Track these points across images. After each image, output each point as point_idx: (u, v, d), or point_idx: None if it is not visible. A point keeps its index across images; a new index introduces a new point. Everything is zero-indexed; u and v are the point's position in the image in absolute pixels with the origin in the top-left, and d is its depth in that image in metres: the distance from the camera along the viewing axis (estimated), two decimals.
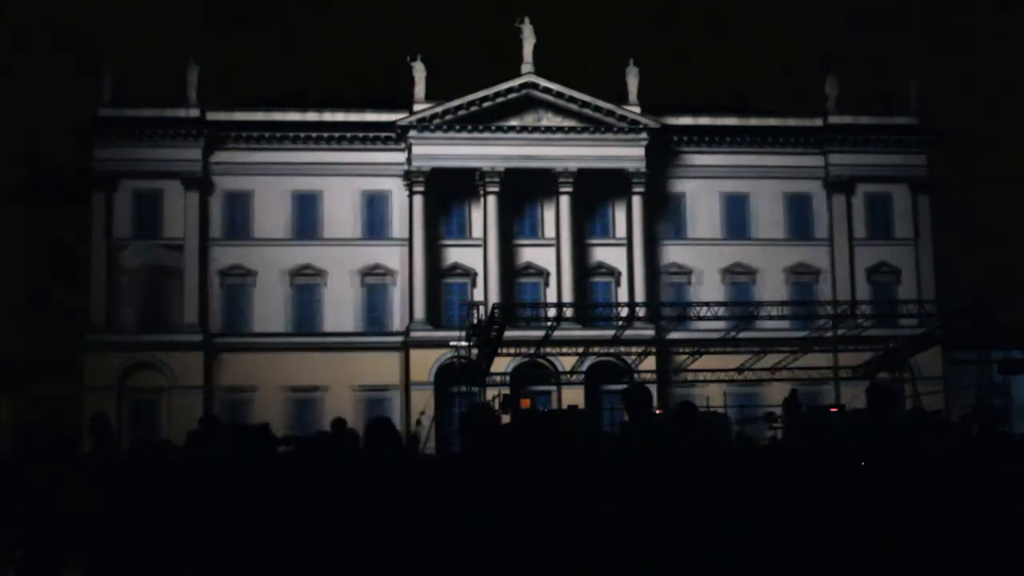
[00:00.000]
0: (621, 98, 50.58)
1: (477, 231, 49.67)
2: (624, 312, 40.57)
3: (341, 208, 49.78)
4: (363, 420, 27.05)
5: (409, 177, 49.31)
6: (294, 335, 48.83)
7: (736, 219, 51.66)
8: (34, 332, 49.33)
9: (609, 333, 41.86)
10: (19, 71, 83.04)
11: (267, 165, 49.58)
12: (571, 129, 49.86)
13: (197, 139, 49.07)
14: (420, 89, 49.91)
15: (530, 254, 50.42)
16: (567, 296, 47.69)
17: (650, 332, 45.38)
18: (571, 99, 49.74)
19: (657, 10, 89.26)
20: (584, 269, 50.21)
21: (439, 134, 49.28)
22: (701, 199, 51.57)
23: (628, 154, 49.86)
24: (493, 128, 49.47)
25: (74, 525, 9.62)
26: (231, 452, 8.72)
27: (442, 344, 45.55)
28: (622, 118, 49.89)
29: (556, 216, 49.67)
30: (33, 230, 50.65)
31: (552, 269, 49.69)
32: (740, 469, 7.91)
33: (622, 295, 49.23)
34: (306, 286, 49.50)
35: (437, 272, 49.53)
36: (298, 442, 10.48)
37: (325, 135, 49.96)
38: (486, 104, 49.56)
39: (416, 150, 49.26)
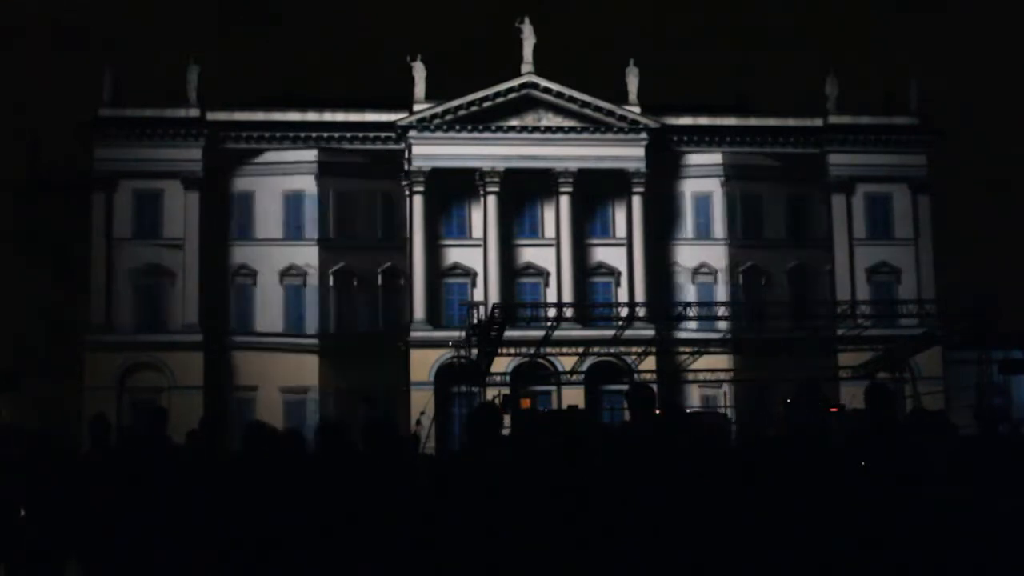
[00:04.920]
0: (621, 98, 50.54)
1: (477, 231, 49.65)
2: (624, 312, 40.60)
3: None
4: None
5: (409, 177, 49.30)
6: (288, 335, 48.88)
7: (736, 219, 51.59)
8: (34, 332, 49.31)
9: (609, 333, 41.87)
10: (19, 71, 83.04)
11: (266, 165, 49.58)
12: (571, 129, 49.84)
13: (197, 139, 49.05)
14: (420, 89, 49.87)
15: (530, 254, 50.40)
16: (567, 296, 47.67)
17: (650, 332, 45.34)
18: (571, 99, 49.72)
19: (657, 10, 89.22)
20: (584, 269, 50.17)
21: (439, 134, 49.26)
22: (701, 199, 51.52)
23: (628, 154, 49.83)
24: (493, 128, 49.45)
25: (74, 525, 9.61)
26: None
27: (442, 344, 45.56)
28: (622, 118, 49.87)
29: (556, 216, 49.64)
30: (33, 230, 50.61)
31: (552, 269, 49.67)
32: (740, 468, 7.91)
33: (622, 295, 49.19)
34: (300, 286, 49.48)
35: (437, 272, 49.51)
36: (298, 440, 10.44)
37: (325, 135, 49.96)
38: (486, 104, 49.54)
39: (416, 150, 49.25)
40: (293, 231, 49.51)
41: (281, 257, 49.24)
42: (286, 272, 49.19)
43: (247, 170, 49.63)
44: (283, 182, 49.51)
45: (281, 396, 47.44)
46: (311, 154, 49.83)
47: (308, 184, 49.59)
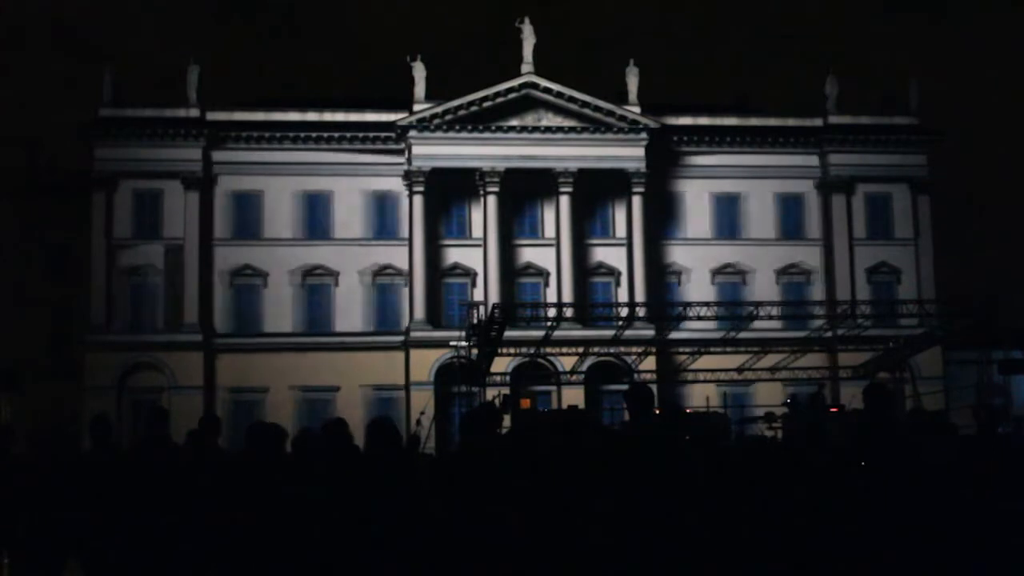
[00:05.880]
0: (621, 98, 50.57)
1: (477, 231, 49.66)
2: (624, 312, 40.59)
3: (342, 208, 49.83)
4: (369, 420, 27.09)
5: (409, 177, 49.32)
6: (298, 335, 48.86)
7: (736, 219, 51.66)
8: (34, 332, 49.30)
9: (609, 333, 41.88)
10: (19, 71, 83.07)
11: (267, 165, 49.61)
12: (571, 129, 49.85)
13: (197, 139, 49.07)
14: (420, 89, 49.90)
15: (530, 254, 50.40)
16: (567, 296, 47.68)
17: (650, 332, 45.36)
18: (571, 99, 49.72)
19: (657, 10, 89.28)
20: (584, 269, 50.19)
21: (439, 134, 49.27)
22: (701, 199, 51.56)
23: (628, 154, 49.85)
24: (493, 128, 49.46)
25: (74, 525, 9.61)
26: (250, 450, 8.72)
27: (442, 344, 45.56)
28: (622, 118, 49.87)
29: (556, 216, 49.66)
30: (33, 230, 50.62)
31: (552, 269, 49.68)
32: (740, 469, 7.91)
33: (622, 295, 49.22)
34: (315, 286, 49.50)
35: (437, 272, 49.52)
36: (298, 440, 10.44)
37: (325, 135, 49.98)
38: (486, 104, 49.55)
39: (416, 150, 49.26)
40: (308, 231, 49.68)
41: (294, 257, 49.31)
42: (304, 272, 49.27)
43: (248, 169, 49.67)
44: (287, 182, 49.56)
45: (297, 395, 47.56)
46: (314, 154, 49.89)
47: (314, 184, 49.65)
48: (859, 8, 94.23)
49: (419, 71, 50.12)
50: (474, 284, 49.55)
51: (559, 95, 49.69)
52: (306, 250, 49.48)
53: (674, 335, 45.15)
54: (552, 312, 39.08)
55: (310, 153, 49.92)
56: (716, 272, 51.08)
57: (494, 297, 46.48)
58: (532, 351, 41.83)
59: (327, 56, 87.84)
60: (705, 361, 42.59)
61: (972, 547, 7.70)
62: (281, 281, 49.21)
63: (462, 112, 49.39)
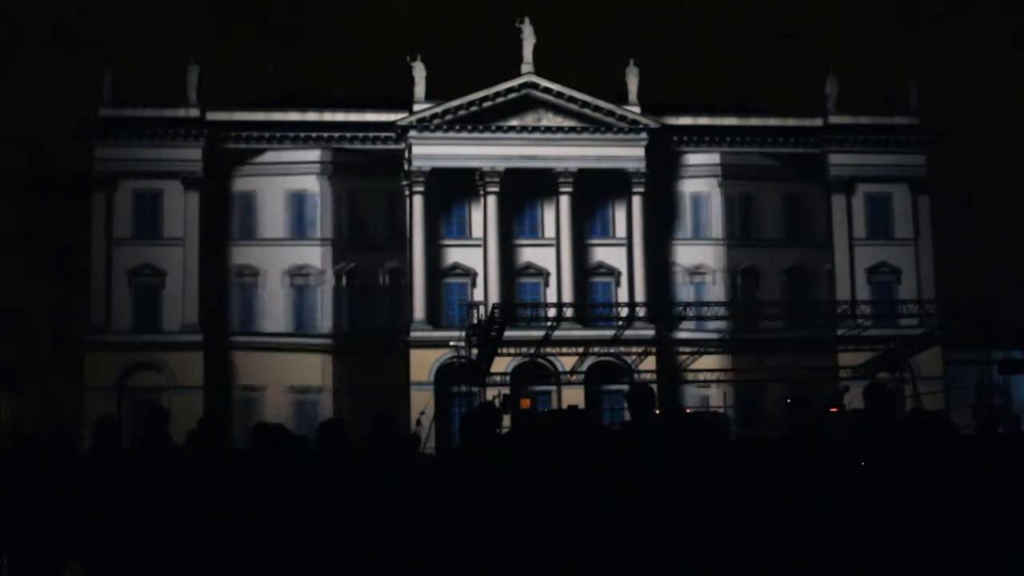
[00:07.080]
0: (621, 98, 50.57)
1: (477, 231, 49.68)
2: (624, 312, 40.60)
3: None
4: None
5: (409, 177, 49.33)
6: (295, 335, 48.92)
7: (736, 219, 51.64)
8: (34, 332, 49.30)
9: (609, 333, 41.87)
10: (19, 71, 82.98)
11: (267, 165, 49.61)
12: (571, 129, 49.85)
13: (197, 139, 49.08)
14: (420, 89, 49.90)
15: (530, 254, 50.42)
16: (567, 296, 47.68)
17: (650, 332, 45.35)
18: (571, 99, 49.72)
19: (657, 10, 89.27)
20: (584, 269, 50.19)
21: (439, 134, 49.27)
22: (701, 199, 51.56)
23: (628, 154, 49.85)
24: (493, 128, 49.46)
25: (74, 525, 9.62)
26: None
27: (442, 344, 45.58)
28: (622, 118, 49.87)
29: (556, 216, 49.67)
30: (33, 230, 50.61)
31: (552, 269, 49.69)
32: (740, 469, 7.91)
33: (622, 295, 49.21)
34: (304, 286, 49.53)
35: (437, 272, 49.53)
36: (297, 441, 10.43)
37: (325, 135, 49.98)
38: (486, 104, 49.55)
39: (416, 150, 49.27)
40: (298, 231, 49.65)
41: (287, 257, 49.31)
42: (295, 272, 49.25)
43: (248, 170, 49.69)
44: (286, 182, 49.58)
45: (291, 396, 47.48)
46: (315, 154, 49.90)
47: (312, 184, 49.66)
48: (859, 8, 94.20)
49: (419, 71, 50.11)
50: (474, 284, 49.57)
51: (559, 95, 49.70)
52: (300, 250, 49.50)
53: (674, 335, 45.17)
54: (552, 312, 39.09)
55: (309, 153, 49.93)
56: (724, 272, 51.02)
57: (494, 297, 46.48)
58: (532, 351, 41.85)
59: (327, 56, 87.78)
60: (706, 361, 42.59)
61: (972, 547, 7.71)
62: (275, 280, 49.28)
63: (462, 112, 49.39)
